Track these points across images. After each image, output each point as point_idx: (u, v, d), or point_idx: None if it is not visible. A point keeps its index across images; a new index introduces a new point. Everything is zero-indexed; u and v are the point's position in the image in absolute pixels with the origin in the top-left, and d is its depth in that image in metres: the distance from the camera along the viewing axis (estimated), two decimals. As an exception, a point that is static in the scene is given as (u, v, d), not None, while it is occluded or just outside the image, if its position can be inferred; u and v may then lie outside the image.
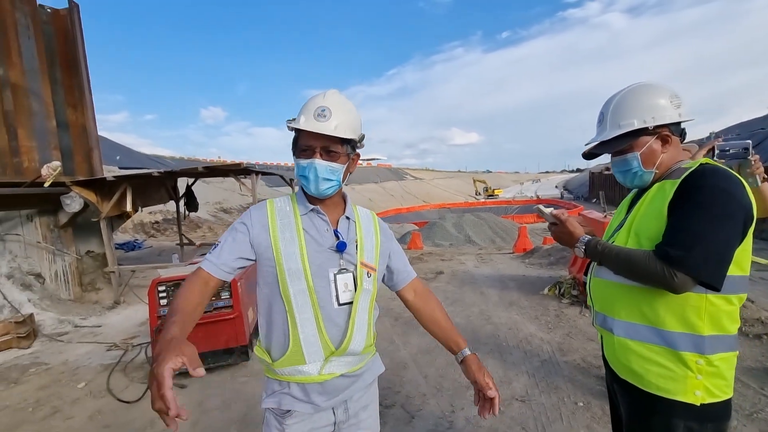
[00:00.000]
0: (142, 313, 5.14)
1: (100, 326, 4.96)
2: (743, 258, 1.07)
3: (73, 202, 5.37)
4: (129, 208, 5.76)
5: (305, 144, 1.10)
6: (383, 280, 1.29)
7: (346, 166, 1.14)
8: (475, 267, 7.32)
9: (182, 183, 7.84)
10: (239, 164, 5.77)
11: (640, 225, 1.17)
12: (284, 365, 1.11)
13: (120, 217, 6.42)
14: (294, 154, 1.15)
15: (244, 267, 1.15)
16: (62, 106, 6.04)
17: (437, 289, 5.82)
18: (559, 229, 1.29)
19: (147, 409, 2.88)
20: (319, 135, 1.06)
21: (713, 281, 1.00)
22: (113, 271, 5.87)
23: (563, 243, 1.29)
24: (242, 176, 6.26)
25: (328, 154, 1.10)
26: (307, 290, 1.09)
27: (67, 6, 6.19)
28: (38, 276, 5.36)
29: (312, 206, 1.16)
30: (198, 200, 7.97)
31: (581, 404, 2.56)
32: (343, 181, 1.16)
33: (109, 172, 7.32)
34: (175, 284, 3.28)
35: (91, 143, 6.36)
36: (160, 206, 9.94)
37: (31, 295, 5.10)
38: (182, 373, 3.16)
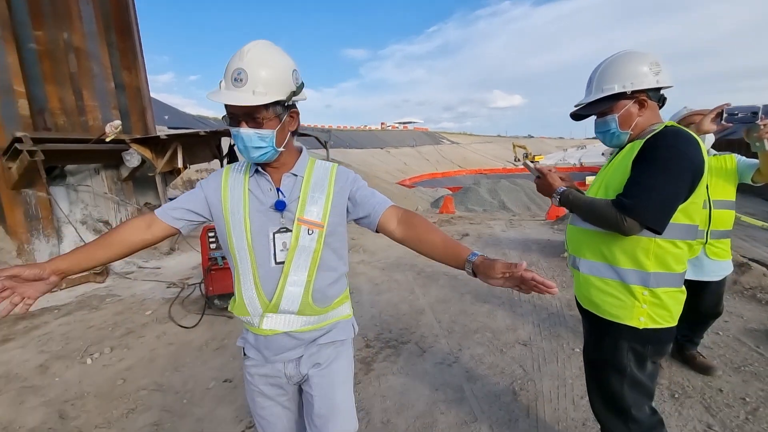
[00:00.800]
0: (193, 258, 5.80)
1: (159, 268, 5.67)
2: (693, 210, 1.24)
3: (132, 158, 5.98)
4: (180, 164, 6.33)
5: (229, 112, 1.07)
6: (362, 225, 1.22)
7: (277, 128, 1.08)
8: (502, 231, 7.45)
9: (225, 142, 8.35)
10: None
11: (610, 179, 1.35)
12: (236, 313, 1.21)
13: (171, 173, 7.04)
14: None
15: (192, 221, 1.20)
16: (118, 68, 6.55)
17: (461, 249, 6.06)
18: (541, 182, 1.49)
19: (202, 334, 3.44)
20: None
21: (656, 226, 1.18)
22: (168, 221, 6.56)
23: (544, 193, 1.49)
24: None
25: (254, 121, 1.05)
26: (247, 248, 1.13)
27: (118, -29, 6.55)
28: (106, 223, 6.12)
29: (256, 167, 1.16)
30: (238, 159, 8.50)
31: (577, 350, 2.80)
32: (281, 144, 1.11)
33: (160, 131, 7.92)
34: (222, 231, 3.74)
35: (144, 103, 6.90)
36: (205, 164, 10.63)
37: (102, 238, 5.87)
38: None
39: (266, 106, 1.05)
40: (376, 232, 1.20)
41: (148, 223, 1.18)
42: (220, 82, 1.06)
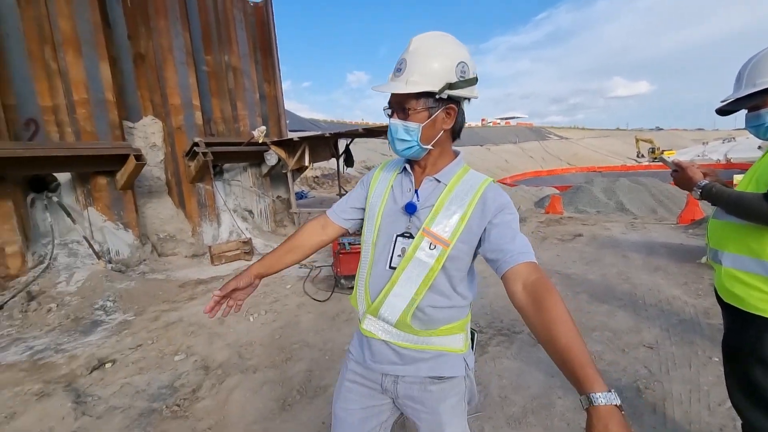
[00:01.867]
0: (316, 244, 6.64)
1: (290, 251, 6.63)
2: None
3: (271, 158, 7.08)
4: (306, 162, 7.27)
5: (388, 103, 1.06)
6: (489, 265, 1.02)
7: (426, 123, 1.00)
8: (622, 233, 6.86)
9: (341, 144, 9.24)
10: (386, 126, 6.60)
11: (762, 172, 1.36)
12: (352, 303, 1.19)
13: (299, 171, 8.10)
14: None
15: (360, 218, 1.23)
16: (261, 81, 7.78)
17: (573, 249, 5.81)
18: (679, 175, 1.53)
19: (333, 307, 4.02)
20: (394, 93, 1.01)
21: None
22: (295, 212, 7.59)
23: (683, 187, 1.53)
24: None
25: (403, 112, 1.01)
26: (371, 244, 1.12)
27: (263, -1, 7.76)
28: (250, 212, 7.34)
29: (405, 165, 1.13)
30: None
31: (716, 359, 2.60)
32: (428, 141, 1.03)
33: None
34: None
35: (280, 111, 8.06)
36: (322, 163, 11.84)
37: (247, 225, 7.07)
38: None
39: (416, 97, 0.99)
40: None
41: (323, 225, 1.26)
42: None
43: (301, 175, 10.35)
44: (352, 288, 4.31)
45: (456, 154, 1.14)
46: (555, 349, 0.79)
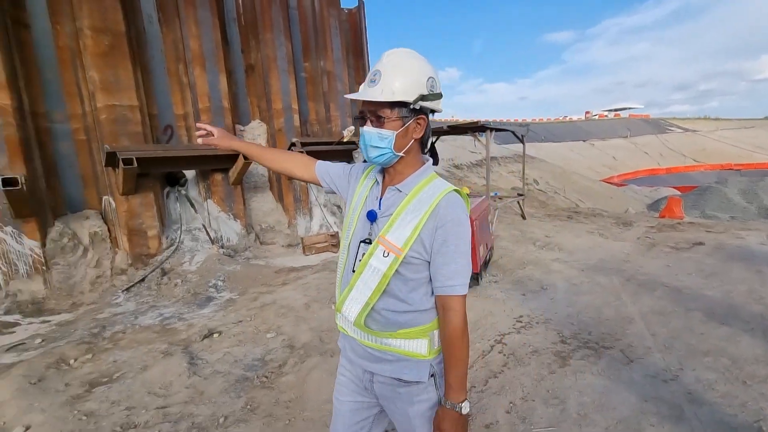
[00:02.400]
0: (398, 241, 6.79)
1: (373, 246, 6.91)
2: None
3: (360, 155, 7.43)
4: (392, 160, 7.47)
5: (360, 110, 1.11)
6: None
7: (399, 131, 1.05)
8: (761, 244, 5.70)
9: (427, 141, 9.29)
10: (476, 122, 6.44)
11: None
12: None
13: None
14: None
15: (330, 187, 1.32)
16: (352, 83, 8.19)
17: (688, 259, 5.01)
18: None
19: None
20: (368, 101, 1.05)
21: None
22: (380, 208, 7.87)
23: None
24: (478, 133, 6.95)
25: (378, 120, 1.05)
26: (346, 246, 1.18)
27: (356, 5, 8.15)
28: (339, 207, 7.81)
29: (377, 174, 1.18)
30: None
31: None
32: (401, 149, 1.08)
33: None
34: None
35: (368, 111, 8.40)
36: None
37: (335, 219, 7.54)
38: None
39: (391, 106, 1.04)
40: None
41: (307, 165, 1.36)
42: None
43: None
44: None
45: (423, 162, 1.15)
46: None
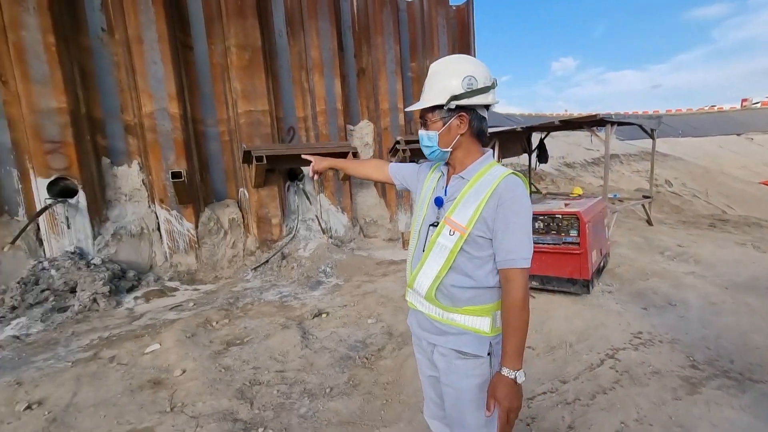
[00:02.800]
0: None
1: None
2: None
3: (461, 153, 7.37)
4: (496, 158, 7.23)
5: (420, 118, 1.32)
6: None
7: (441, 131, 1.24)
8: None
9: (535, 137, 8.73)
10: (594, 115, 5.84)
11: None
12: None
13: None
14: None
15: (404, 185, 1.53)
16: (457, 81, 8.13)
17: None
18: None
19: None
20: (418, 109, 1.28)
21: None
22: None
23: None
24: (596, 128, 6.29)
25: (425, 124, 1.28)
26: (418, 230, 1.35)
27: (465, 0, 8.05)
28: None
29: (442, 167, 1.36)
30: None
31: None
32: (447, 146, 1.25)
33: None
34: (533, 218, 4.12)
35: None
36: (513, 159, 11.45)
37: (435, 216, 7.62)
38: (534, 288, 4.03)
39: (431, 110, 1.24)
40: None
41: (380, 167, 1.62)
42: None
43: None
44: (529, 287, 4.15)
45: (483, 152, 1.30)
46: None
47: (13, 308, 4.15)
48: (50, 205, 4.63)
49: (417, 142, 7.03)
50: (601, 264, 4.54)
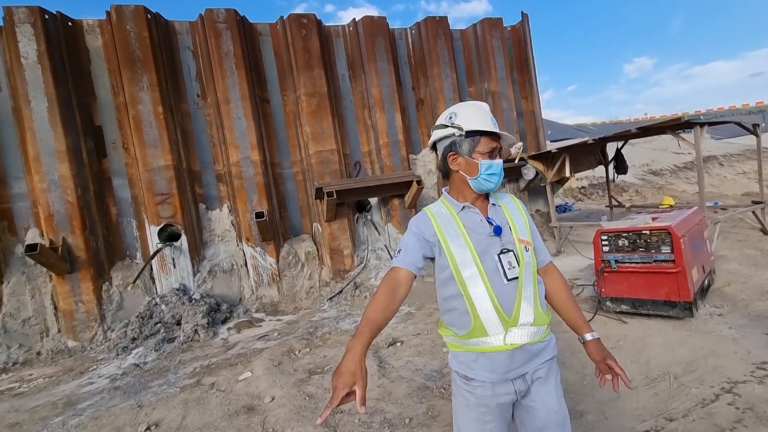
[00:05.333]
0: (578, 261, 6.12)
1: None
2: None
3: (529, 172, 7.14)
4: (568, 173, 6.86)
5: (492, 146, 1.32)
6: None
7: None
8: None
9: (610, 147, 8.14)
10: (678, 118, 5.34)
11: None
12: (470, 337, 1.26)
13: (559, 182, 7.73)
14: (466, 154, 1.32)
15: (425, 263, 1.31)
16: (518, 99, 8.01)
17: None
18: None
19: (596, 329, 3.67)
20: (498, 138, 1.34)
21: None
22: (555, 226, 7.26)
23: None
24: (681, 131, 5.72)
25: (500, 154, 1.36)
26: (478, 273, 1.25)
27: (520, 19, 8.02)
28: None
29: (463, 204, 1.35)
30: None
31: None
32: None
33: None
34: (616, 235, 3.82)
35: (537, 124, 8.01)
36: (587, 172, 10.72)
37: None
38: (624, 312, 3.69)
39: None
40: None
41: (399, 280, 1.27)
42: (472, 121, 1.31)
43: (563, 187, 9.75)
44: (619, 311, 3.79)
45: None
46: (560, 302, 1.43)
47: (133, 339, 4.83)
48: (161, 248, 5.39)
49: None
50: (705, 283, 4.02)
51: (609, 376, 1.31)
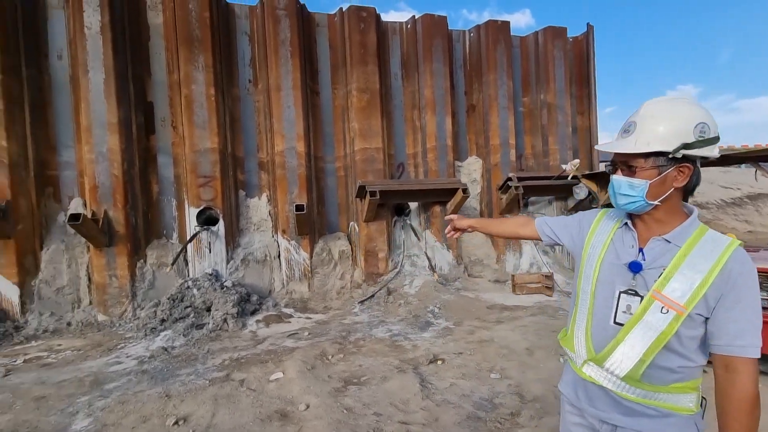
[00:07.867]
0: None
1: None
2: None
3: (580, 191, 6.72)
4: (624, 197, 6.41)
5: (612, 160, 1.15)
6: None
7: (654, 180, 1.03)
8: None
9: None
10: (765, 149, 4.86)
11: None
12: (563, 344, 1.27)
13: (609, 206, 7.25)
14: None
15: (555, 240, 1.40)
16: (574, 114, 7.59)
17: None
18: None
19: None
20: (619, 152, 1.10)
21: None
22: (603, 252, 6.82)
23: None
24: (762, 163, 5.22)
25: (629, 169, 1.08)
26: (589, 294, 1.16)
27: (584, 31, 7.61)
28: (553, 246, 7.20)
29: (626, 219, 1.16)
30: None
31: None
32: (655, 198, 1.05)
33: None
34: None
35: (592, 142, 7.57)
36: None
37: (548, 259, 6.96)
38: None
39: (645, 156, 1.04)
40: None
41: (526, 224, 1.53)
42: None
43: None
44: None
45: (689, 212, 1.10)
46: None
47: (162, 321, 4.72)
48: (199, 231, 5.29)
49: (531, 179, 6.60)
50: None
51: None
